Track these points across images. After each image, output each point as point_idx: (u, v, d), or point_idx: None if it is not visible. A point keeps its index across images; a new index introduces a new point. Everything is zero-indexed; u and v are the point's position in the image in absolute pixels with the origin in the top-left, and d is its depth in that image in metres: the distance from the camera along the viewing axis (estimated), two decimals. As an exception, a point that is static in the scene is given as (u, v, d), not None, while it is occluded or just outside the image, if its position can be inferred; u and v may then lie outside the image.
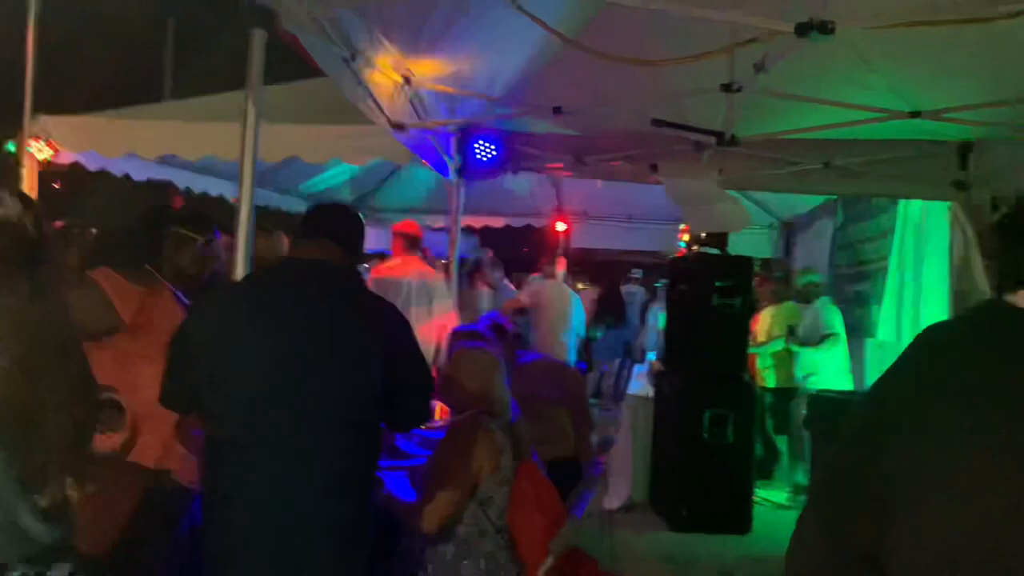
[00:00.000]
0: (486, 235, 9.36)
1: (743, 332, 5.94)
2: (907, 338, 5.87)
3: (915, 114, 3.96)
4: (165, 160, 5.84)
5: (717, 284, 5.67)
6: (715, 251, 6.04)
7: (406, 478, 3.09)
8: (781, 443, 6.77)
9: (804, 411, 5.83)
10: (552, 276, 8.00)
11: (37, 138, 5.05)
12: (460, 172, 5.29)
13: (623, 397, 7.64)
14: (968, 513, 0.93)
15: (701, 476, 5.49)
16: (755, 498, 5.75)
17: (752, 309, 6.21)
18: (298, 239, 2.42)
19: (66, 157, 5.33)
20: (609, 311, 10.18)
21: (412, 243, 5.73)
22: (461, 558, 2.66)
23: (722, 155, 4.62)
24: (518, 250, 11.64)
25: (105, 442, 2.41)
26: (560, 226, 8.99)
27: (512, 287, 8.70)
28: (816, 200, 7.79)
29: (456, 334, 4.02)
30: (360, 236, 2.46)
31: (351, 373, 2.20)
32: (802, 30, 2.65)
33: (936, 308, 5.51)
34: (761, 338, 6.74)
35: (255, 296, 2.32)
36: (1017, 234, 1.09)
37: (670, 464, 5.71)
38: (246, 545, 2.12)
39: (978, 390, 0.97)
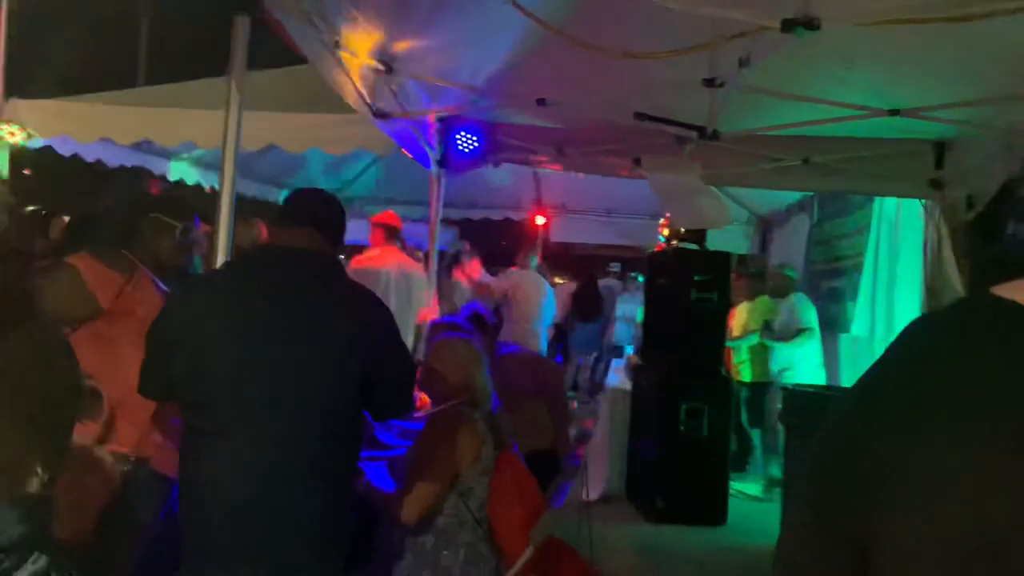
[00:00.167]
0: (465, 227, 9.33)
1: (720, 327, 6.00)
2: (881, 334, 5.96)
3: (894, 112, 4.00)
4: (140, 147, 5.76)
5: (695, 279, 5.72)
6: (693, 246, 6.07)
7: (386, 469, 3.08)
8: (755, 436, 6.84)
9: (779, 405, 5.89)
10: (526, 267, 7.99)
11: (9, 122, 4.97)
12: (441, 163, 5.27)
13: (600, 390, 7.67)
14: (970, 513, 0.91)
15: (677, 468, 5.54)
16: (730, 490, 5.81)
17: (729, 304, 6.26)
18: (278, 226, 2.39)
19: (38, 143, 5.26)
20: (586, 305, 10.17)
21: (392, 234, 5.71)
22: (441, 548, 2.66)
23: (703, 149, 4.64)
24: (496, 243, 11.63)
25: (82, 430, 2.37)
26: (539, 219, 8.98)
27: (490, 279, 8.68)
28: (792, 196, 7.85)
29: (437, 325, 4.02)
30: (341, 224, 2.42)
31: (331, 362, 2.18)
32: (788, 25, 2.65)
33: (910, 305, 5.58)
34: (737, 333, 6.79)
35: (234, 284, 2.29)
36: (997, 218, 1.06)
37: (646, 457, 5.76)
38: (223, 533, 2.10)
39: (979, 386, 0.95)
